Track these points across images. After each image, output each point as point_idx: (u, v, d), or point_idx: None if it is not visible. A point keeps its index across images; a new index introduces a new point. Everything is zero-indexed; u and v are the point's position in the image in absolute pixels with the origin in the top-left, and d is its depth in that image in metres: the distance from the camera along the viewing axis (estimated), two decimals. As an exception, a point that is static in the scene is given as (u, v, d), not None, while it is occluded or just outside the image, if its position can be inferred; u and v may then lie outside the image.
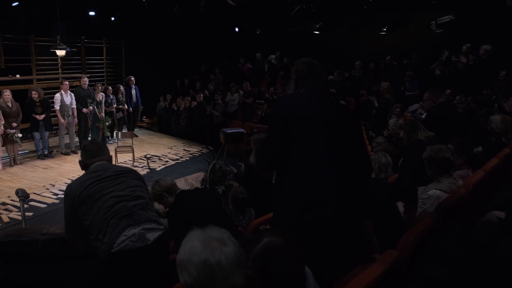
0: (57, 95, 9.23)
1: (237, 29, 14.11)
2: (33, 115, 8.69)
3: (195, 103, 11.30)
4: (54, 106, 9.19)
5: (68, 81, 9.62)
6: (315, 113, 2.22)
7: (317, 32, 11.90)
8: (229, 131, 6.45)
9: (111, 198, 2.46)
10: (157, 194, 3.41)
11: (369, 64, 10.93)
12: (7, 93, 8.26)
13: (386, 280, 1.97)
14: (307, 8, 11.01)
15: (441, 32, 9.72)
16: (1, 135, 8.09)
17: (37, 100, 8.72)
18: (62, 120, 9.22)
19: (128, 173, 2.71)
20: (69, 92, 9.36)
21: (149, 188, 3.09)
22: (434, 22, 9.55)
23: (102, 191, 2.48)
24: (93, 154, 2.70)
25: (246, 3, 9.87)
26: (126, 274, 2.41)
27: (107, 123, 9.91)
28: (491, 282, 2.44)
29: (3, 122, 7.96)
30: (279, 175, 2.31)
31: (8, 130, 8.12)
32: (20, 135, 8.36)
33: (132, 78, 11.28)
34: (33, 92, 8.71)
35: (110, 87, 10.73)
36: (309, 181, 2.10)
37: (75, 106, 9.44)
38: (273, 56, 13.35)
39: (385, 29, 11.11)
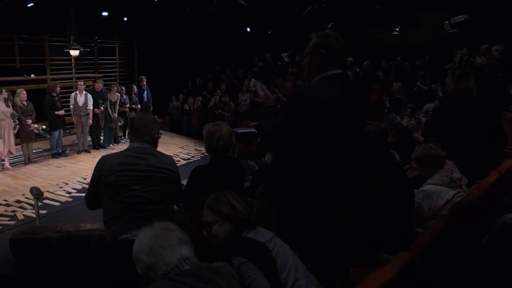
0: (72, 95, 9.35)
1: (248, 29, 14.11)
2: (55, 112, 8.80)
3: (208, 104, 11.35)
4: (70, 105, 9.28)
5: (83, 81, 9.76)
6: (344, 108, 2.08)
7: (334, 32, 11.80)
8: (240, 131, 6.48)
9: (134, 196, 2.40)
10: None
11: (381, 61, 10.86)
12: (24, 93, 8.44)
13: (399, 282, 1.95)
14: (319, 8, 10.98)
15: (454, 32, 9.62)
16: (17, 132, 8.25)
17: (56, 96, 8.88)
18: (73, 119, 9.34)
19: (160, 171, 2.50)
20: (84, 92, 9.46)
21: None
22: (447, 21, 9.45)
23: (127, 185, 2.40)
24: (135, 131, 2.55)
25: (258, 3, 9.87)
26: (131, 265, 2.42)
27: (119, 123, 10.00)
28: (506, 284, 2.40)
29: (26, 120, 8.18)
30: (280, 160, 2.25)
31: (33, 125, 8.32)
32: (44, 126, 8.51)
33: (144, 79, 11.37)
34: (57, 89, 8.95)
35: (123, 87, 10.83)
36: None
37: (91, 107, 9.53)
38: (285, 54, 13.35)
39: (397, 29, 11.01)
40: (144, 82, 11.33)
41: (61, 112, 8.91)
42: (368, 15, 11.55)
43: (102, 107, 9.75)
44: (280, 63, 13.26)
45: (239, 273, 1.74)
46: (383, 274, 1.90)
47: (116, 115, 10.14)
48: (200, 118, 11.41)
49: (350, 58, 11.21)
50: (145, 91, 11.36)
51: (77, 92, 9.37)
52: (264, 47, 13.78)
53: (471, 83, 3.99)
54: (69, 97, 9.71)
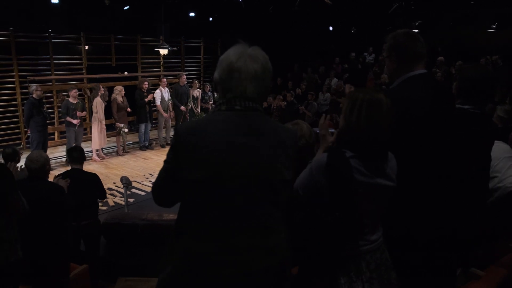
0: (158, 91, 9.91)
1: (331, 28, 13.93)
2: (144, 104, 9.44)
3: (285, 103, 11.37)
4: (156, 101, 9.88)
5: (166, 78, 10.31)
6: (429, 110, 1.93)
7: (416, 31, 11.28)
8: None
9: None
10: None
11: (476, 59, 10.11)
12: (122, 89, 9.17)
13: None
14: (406, 5, 10.51)
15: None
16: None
17: (145, 92, 9.53)
18: (165, 114, 9.88)
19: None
20: (166, 88, 10.02)
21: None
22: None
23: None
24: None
25: (342, 2, 9.70)
26: None
27: (202, 118, 10.44)
28: None
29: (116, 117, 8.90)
30: None
31: (118, 124, 8.99)
32: (126, 130, 9.19)
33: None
34: (145, 83, 9.64)
35: (208, 85, 11.27)
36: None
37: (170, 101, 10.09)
38: (366, 54, 13.02)
39: (494, 26, 10.19)
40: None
41: (150, 96, 9.56)
42: (459, 12, 10.83)
43: (189, 105, 10.23)
44: (360, 63, 12.94)
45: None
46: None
47: (199, 110, 10.59)
48: (280, 116, 11.47)
49: (441, 58, 10.58)
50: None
51: (161, 88, 9.93)
52: (346, 46, 13.51)
53: None
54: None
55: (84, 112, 8.58)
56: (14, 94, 9.45)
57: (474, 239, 2.33)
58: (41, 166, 3.37)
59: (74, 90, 8.33)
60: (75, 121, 8.17)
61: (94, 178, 4.38)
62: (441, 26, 11.04)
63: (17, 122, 9.37)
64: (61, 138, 9.67)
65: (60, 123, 9.68)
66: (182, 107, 10.14)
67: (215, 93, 11.26)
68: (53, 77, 9.91)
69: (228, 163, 1.38)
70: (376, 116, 1.68)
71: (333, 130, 2.02)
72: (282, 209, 1.50)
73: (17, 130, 9.50)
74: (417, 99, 1.94)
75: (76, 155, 4.40)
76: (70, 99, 8.24)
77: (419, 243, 1.96)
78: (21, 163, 3.91)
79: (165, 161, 1.52)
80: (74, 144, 7.68)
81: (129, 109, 9.20)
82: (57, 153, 9.11)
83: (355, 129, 1.71)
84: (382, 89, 1.81)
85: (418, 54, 2.02)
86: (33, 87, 7.95)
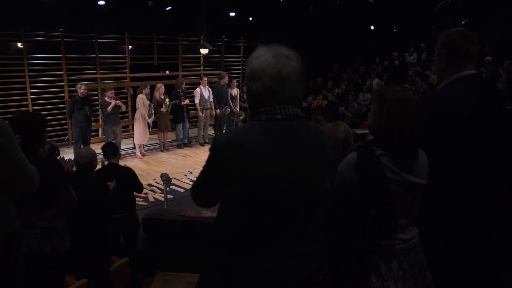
0: (197, 90, 10.06)
1: (372, 27, 13.66)
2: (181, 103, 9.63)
3: (326, 102, 11.27)
4: (195, 99, 10.04)
5: (207, 77, 10.45)
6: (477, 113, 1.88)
7: (463, 29, 10.85)
8: (359, 131, 6.31)
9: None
10: None
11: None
12: (162, 87, 9.42)
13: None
14: (453, 2, 10.15)
15: None
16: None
17: (181, 92, 9.71)
18: (200, 114, 10.04)
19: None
20: (207, 87, 10.16)
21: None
22: None
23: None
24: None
25: (385, 0, 9.49)
26: None
27: (241, 117, 10.54)
28: None
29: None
30: None
31: (164, 108, 9.24)
32: (167, 100, 9.37)
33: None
34: (184, 85, 9.84)
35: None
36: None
37: (212, 100, 10.21)
38: (407, 53, 12.69)
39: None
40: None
41: (187, 101, 9.70)
42: (510, 9, 10.33)
43: (227, 108, 10.37)
44: (398, 62, 12.60)
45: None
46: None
47: (238, 109, 10.69)
48: (319, 116, 11.38)
49: (488, 57, 10.14)
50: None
51: (202, 86, 10.08)
52: (388, 46, 13.22)
53: None
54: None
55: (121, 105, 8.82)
56: (63, 92, 9.90)
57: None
58: (88, 161, 3.53)
59: (111, 91, 8.63)
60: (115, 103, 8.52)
61: (130, 173, 4.49)
62: (489, 24, 10.56)
63: (64, 119, 9.79)
64: (105, 135, 10.02)
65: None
66: (217, 111, 10.26)
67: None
68: (98, 75, 10.29)
69: (267, 178, 1.35)
70: (405, 115, 1.67)
71: (366, 131, 2.01)
72: (322, 216, 1.50)
73: (65, 126, 9.94)
74: (463, 99, 1.90)
75: (109, 151, 4.54)
76: (106, 98, 8.56)
77: (459, 246, 1.92)
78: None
79: (203, 169, 1.49)
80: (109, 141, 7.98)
81: (163, 109, 9.34)
82: (100, 149, 9.43)
83: (385, 128, 1.71)
84: (410, 88, 1.77)
85: (470, 54, 1.98)
86: (78, 85, 8.32)
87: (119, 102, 8.63)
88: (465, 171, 1.90)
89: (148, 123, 9.07)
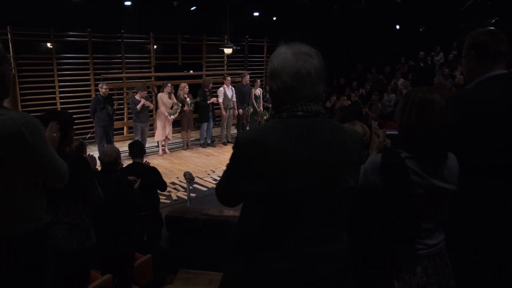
0: (221, 89, 10.11)
1: (397, 27, 13.45)
2: (207, 102, 9.71)
3: (349, 102, 11.16)
4: (218, 99, 10.10)
5: (230, 77, 10.50)
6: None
7: (492, 28, 10.56)
8: (388, 132, 6.23)
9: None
10: None
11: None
12: (186, 87, 9.53)
13: None
14: (482, 1, 9.90)
15: None
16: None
17: (208, 91, 9.79)
18: (224, 113, 10.09)
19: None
20: (230, 86, 10.20)
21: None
22: None
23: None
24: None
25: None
26: None
27: (265, 117, 10.56)
28: None
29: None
30: None
31: (187, 108, 9.35)
32: (189, 100, 9.46)
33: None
34: (210, 85, 9.90)
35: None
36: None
37: (235, 100, 10.24)
38: (433, 53, 12.44)
39: None
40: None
41: (213, 99, 9.78)
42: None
43: (250, 108, 10.38)
44: (423, 63, 12.36)
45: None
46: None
47: (261, 109, 10.70)
48: (343, 116, 11.28)
49: None
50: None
51: (225, 86, 10.13)
52: (414, 46, 12.99)
53: None
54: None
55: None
56: (90, 90, 10.12)
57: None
58: (113, 159, 3.60)
59: (144, 92, 8.78)
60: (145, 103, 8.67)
61: (154, 171, 4.56)
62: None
63: (90, 117, 9.99)
64: (129, 133, 10.18)
65: (129, 118, 10.23)
66: (240, 110, 10.29)
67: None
68: (123, 75, 10.47)
69: (288, 176, 1.35)
70: (427, 116, 1.63)
71: (394, 132, 1.98)
72: (345, 216, 1.48)
73: (91, 124, 10.14)
74: (494, 100, 1.85)
75: (136, 150, 4.61)
76: (137, 96, 8.69)
77: (486, 254, 1.87)
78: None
79: (227, 167, 1.49)
80: (136, 138, 8.10)
81: (185, 108, 9.42)
82: (125, 147, 9.58)
83: (406, 129, 1.69)
84: (438, 90, 1.73)
85: (499, 53, 1.92)
86: (100, 84, 8.49)
87: (147, 103, 8.76)
88: (496, 174, 1.85)
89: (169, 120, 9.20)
